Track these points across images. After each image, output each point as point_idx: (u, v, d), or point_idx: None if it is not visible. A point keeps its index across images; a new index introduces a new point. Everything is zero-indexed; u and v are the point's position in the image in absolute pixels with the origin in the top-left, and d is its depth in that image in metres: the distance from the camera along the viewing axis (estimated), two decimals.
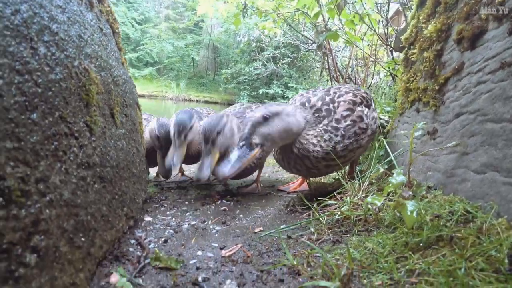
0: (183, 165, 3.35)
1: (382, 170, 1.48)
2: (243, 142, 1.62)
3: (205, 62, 24.19)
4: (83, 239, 0.88)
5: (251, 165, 2.18)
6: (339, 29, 4.90)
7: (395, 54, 4.36)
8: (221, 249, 1.32)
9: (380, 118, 2.88)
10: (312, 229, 1.40)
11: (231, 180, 2.99)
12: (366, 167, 2.62)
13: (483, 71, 1.22)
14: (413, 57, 2.09)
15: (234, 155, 1.61)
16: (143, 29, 25.40)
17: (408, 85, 2.16)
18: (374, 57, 4.96)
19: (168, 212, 1.94)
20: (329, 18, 4.96)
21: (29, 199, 0.68)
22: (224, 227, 1.64)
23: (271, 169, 4.01)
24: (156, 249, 1.27)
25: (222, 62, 23.68)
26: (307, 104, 1.89)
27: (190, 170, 3.80)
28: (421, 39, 1.96)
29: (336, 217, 1.44)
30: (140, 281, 1.02)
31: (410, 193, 1.17)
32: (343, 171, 2.85)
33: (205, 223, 1.72)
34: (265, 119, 1.64)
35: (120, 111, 1.55)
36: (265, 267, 1.10)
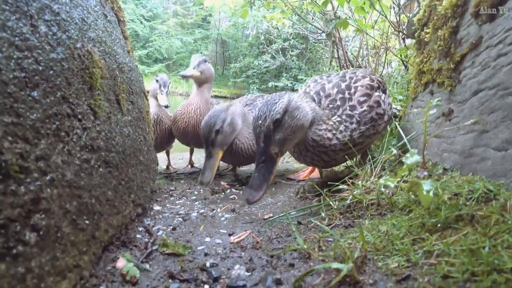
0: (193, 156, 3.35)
1: (395, 151, 1.42)
2: (263, 157, 1.44)
3: (214, 57, 24.15)
4: (87, 221, 0.87)
5: None
6: (349, 17, 4.77)
7: (407, 41, 4.22)
8: (229, 235, 1.29)
9: (393, 107, 2.80)
10: (323, 214, 1.36)
11: (240, 169, 2.96)
12: (378, 155, 2.55)
13: (503, 43, 1.14)
14: (426, 38, 2.01)
15: (258, 173, 1.44)
16: (151, 26, 25.51)
17: (421, 67, 2.08)
18: (385, 45, 4.82)
19: (177, 202, 1.93)
20: (338, 6, 4.84)
21: (29, 176, 0.66)
22: (233, 215, 1.61)
23: (281, 160, 3.97)
24: (164, 235, 1.25)
25: (230, 56, 23.60)
26: (321, 93, 1.80)
27: (200, 162, 3.80)
28: (435, 17, 1.87)
29: (348, 201, 1.39)
30: (147, 266, 1.00)
31: (426, 173, 1.12)
32: (355, 158, 2.79)
33: (214, 211, 1.70)
34: (276, 123, 1.44)
35: (126, 98, 1.53)
36: (275, 252, 1.07)
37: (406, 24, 4.07)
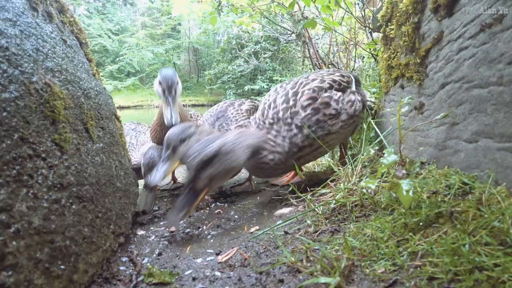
0: (175, 171, 3.28)
1: (373, 151, 1.44)
2: (187, 189, 1.55)
3: (187, 66, 23.95)
4: (62, 266, 0.82)
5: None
6: (316, 16, 4.86)
7: (375, 35, 4.34)
8: (217, 254, 1.26)
9: (367, 100, 2.85)
10: (308, 221, 1.35)
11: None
12: (358, 151, 2.60)
13: (463, 37, 1.18)
14: (391, 34, 2.05)
15: (181, 201, 1.54)
16: (120, 40, 24.99)
17: (389, 62, 2.13)
18: (354, 41, 4.94)
19: (161, 223, 1.88)
20: (304, 6, 4.91)
21: None
22: (219, 231, 1.58)
23: None
24: (149, 264, 1.21)
25: (204, 64, 23.49)
26: (266, 110, 1.87)
27: (183, 176, 3.73)
28: (398, 14, 1.91)
29: (332, 205, 1.39)
30: None
31: (404, 171, 1.13)
32: (334, 157, 2.83)
33: (200, 229, 1.66)
34: (205, 163, 1.54)
35: (95, 125, 1.47)
36: (263, 268, 1.05)
37: (371, 18, 4.18)
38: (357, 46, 5.09)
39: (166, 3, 24.28)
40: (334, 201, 1.41)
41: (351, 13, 4.13)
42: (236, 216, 1.77)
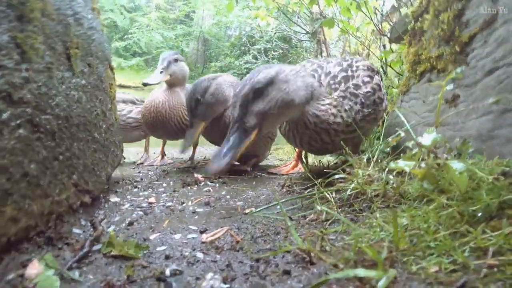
0: (165, 148, 3.03)
1: (403, 134, 1.21)
2: (235, 127, 1.25)
3: (195, 55, 23.64)
4: None
5: None
6: (334, 18, 4.69)
7: (391, 47, 4.24)
8: (201, 232, 1.01)
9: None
10: (318, 208, 1.10)
11: None
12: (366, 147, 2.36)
13: None
14: (424, 25, 1.86)
15: (226, 142, 1.24)
16: (132, 18, 24.56)
17: (416, 57, 1.96)
18: (368, 49, 4.78)
19: (141, 193, 1.62)
20: (325, 6, 4.73)
21: None
22: (207, 209, 1.33)
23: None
24: (112, 231, 0.95)
25: (212, 55, 23.19)
26: (320, 71, 1.57)
27: (171, 153, 3.48)
28: (436, 3, 1.76)
29: (348, 192, 1.15)
30: (76, 274, 0.69)
31: (445, 155, 0.90)
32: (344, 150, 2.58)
33: (184, 205, 1.41)
34: (257, 92, 1.24)
35: (81, 57, 1.21)
36: (262, 255, 0.80)
37: (390, 29, 4.00)
38: (370, 55, 4.94)
39: None
40: (351, 187, 1.16)
41: (371, 19, 3.96)
42: (228, 196, 1.52)
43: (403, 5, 4.31)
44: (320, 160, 2.39)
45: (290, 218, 1.09)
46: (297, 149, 2.29)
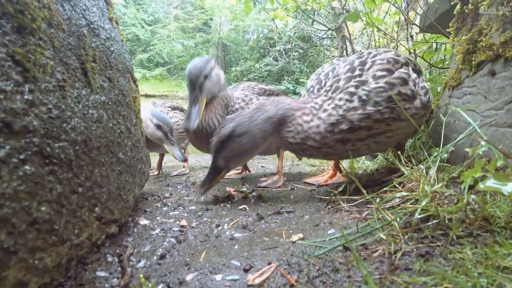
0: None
1: (483, 143, 0.98)
2: (210, 168, 1.60)
3: (215, 61, 23.86)
4: None
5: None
6: (358, 11, 4.46)
7: (418, 37, 3.97)
8: (245, 271, 0.84)
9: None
10: (382, 235, 0.91)
11: (249, 174, 2.52)
12: (413, 153, 2.12)
13: None
14: (483, 7, 1.60)
15: (205, 177, 1.61)
16: (152, 30, 25.26)
17: (470, 46, 1.68)
18: (396, 40, 4.49)
19: (171, 213, 1.49)
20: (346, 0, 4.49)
21: None
22: (246, 234, 1.16)
23: (290, 162, 3.53)
24: (141, 274, 0.80)
25: (232, 60, 23.33)
26: (323, 80, 1.55)
27: (199, 164, 3.37)
28: None
29: (417, 216, 0.95)
30: None
31: None
32: (388, 154, 2.34)
33: (220, 228, 1.25)
34: (221, 143, 1.53)
35: (99, 71, 1.10)
36: None
37: (420, 17, 3.72)
38: (398, 46, 4.65)
39: None
40: (419, 211, 0.96)
41: (399, 9, 3.68)
42: (267, 217, 1.35)
43: None
44: (364, 169, 2.17)
45: (346, 248, 0.90)
46: None
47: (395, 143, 1.73)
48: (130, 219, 1.33)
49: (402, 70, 1.42)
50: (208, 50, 24.92)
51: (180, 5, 30.20)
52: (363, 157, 2.76)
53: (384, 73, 1.38)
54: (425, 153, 1.67)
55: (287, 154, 3.89)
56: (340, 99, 1.38)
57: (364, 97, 1.35)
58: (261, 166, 3.05)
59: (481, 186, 0.78)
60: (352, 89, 1.37)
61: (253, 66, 17.53)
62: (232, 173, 2.49)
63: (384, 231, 0.96)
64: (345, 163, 2.40)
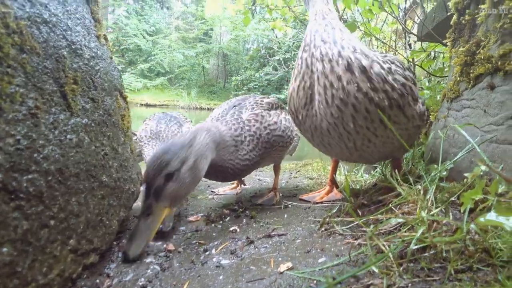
0: None
1: (484, 168, 0.94)
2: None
3: (215, 70, 24.07)
4: None
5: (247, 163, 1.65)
6: (356, 21, 4.47)
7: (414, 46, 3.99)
8: None
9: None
10: (374, 269, 0.86)
11: (244, 188, 2.47)
12: (412, 167, 2.07)
13: None
14: (480, 18, 1.57)
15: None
16: (154, 40, 25.57)
17: (468, 57, 1.65)
18: (394, 49, 4.50)
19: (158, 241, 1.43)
20: (344, 9, 4.51)
21: None
22: (233, 261, 1.11)
23: (288, 175, 3.47)
24: None
25: (232, 70, 23.51)
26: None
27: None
28: None
29: (413, 246, 0.90)
30: None
31: None
32: (385, 169, 2.29)
33: (207, 253, 1.20)
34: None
35: (81, 92, 1.07)
36: None
37: (418, 27, 3.73)
38: (396, 55, 4.66)
39: (201, 8, 24.70)
40: (414, 241, 0.91)
41: (397, 18, 3.69)
42: (257, 240, 1.30)
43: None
44: (361, 183, 2.12)
45: (338, 283, 0.85)
46: (329, 171, 2.05)
47: (390, 158, 1.71)
48: (115, 243, 1.28)
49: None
50: (208, 60, 25.13)
51: (181, 15, 30.57)
52: (362, 170, 2.72)
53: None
54: (423, 171, 1.63)
55: (284, 166, 3.84)
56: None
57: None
58: (258, 180, 3.00)
59: (481, 220, 0.73)
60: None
61: (253, 75, 17.65)
62: (227, 188, 2.44)
63: (377, 256, 0.91)
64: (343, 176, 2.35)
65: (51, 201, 0.75)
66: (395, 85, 1.26)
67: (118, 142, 1.38)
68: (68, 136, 0.91)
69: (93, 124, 1.11)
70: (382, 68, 1.25)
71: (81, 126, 1.02)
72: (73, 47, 1.05)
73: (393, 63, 1.36)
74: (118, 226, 1.24)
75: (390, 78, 1.26)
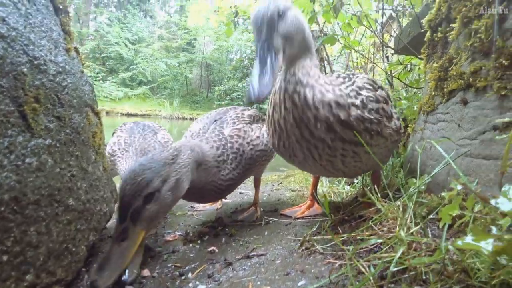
0: None
1: (460, 187, 0.93)
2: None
3: (198, 80, 23.98)
4: None
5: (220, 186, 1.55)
6: (336, 34, 4.59)
7: (393, 58, 4.13)
8: None
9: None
10: None
11: (224, 202, 2.41)
12: (388, 182, 2.08)
13: None
14: (451, 36, 1.61)
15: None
16: (136, 49, 25.27)
17: (442, 73, 1.69)
18: (372, 62, 4.63)
19: None
20: (324, 23, 4.61)
21: None
22: (210, 286, 1.06)
23: (270, 187, 3.43)
24: None
25: (215, 80, 23.51)
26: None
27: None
28: (464, 9, 1.51)
29: (392, 268, 0.87)
30: None
31: None
32: (365, 180, 2.29)
33: (183, 278, 1.14)
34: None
35: (44, 111, 1.00)
36: None
37: (394, 40, 3.85)
38: (374, 67, 4.79)
39: (184, 18, 24.70)
40: (395, 261, 0.89)
41: (374, 33, 3.79)
42: (236, 262, 1.24)
43: (401, 14, 4.20)
44: (342, 196, 2.11)
45: None
46: (310, 185, 2.03)
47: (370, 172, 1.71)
48: (84, 269, 1.20)
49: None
50: (191, 70, 25.02)
51: (165, 25, 30.43)
52: (343, 181, 2.72)
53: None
54: (401, 184, 1.63)
55: (267, 178, 3.81)
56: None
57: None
58: (240, 193, 2.95)
59: (459, 243, 0.72)
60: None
61: (236, 85, 17.69)
62: (207, 204, 2.38)
63: (357, 283, 0.88)
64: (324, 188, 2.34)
65: (3, 234, 0.68)
66: (371, 116, 1.30)
67: (88, 161, 1.31)
68: (27, 160, 0.84)
69: (58, 145, 1.04)
70: (357, 107, 1.28)
71: (44, 147, 0.95)
72: (35, 62, 0.99)
73: (363, 88, 1.35)
74: (87, 251, 1.16)
75: (366, 113, 1.29)
